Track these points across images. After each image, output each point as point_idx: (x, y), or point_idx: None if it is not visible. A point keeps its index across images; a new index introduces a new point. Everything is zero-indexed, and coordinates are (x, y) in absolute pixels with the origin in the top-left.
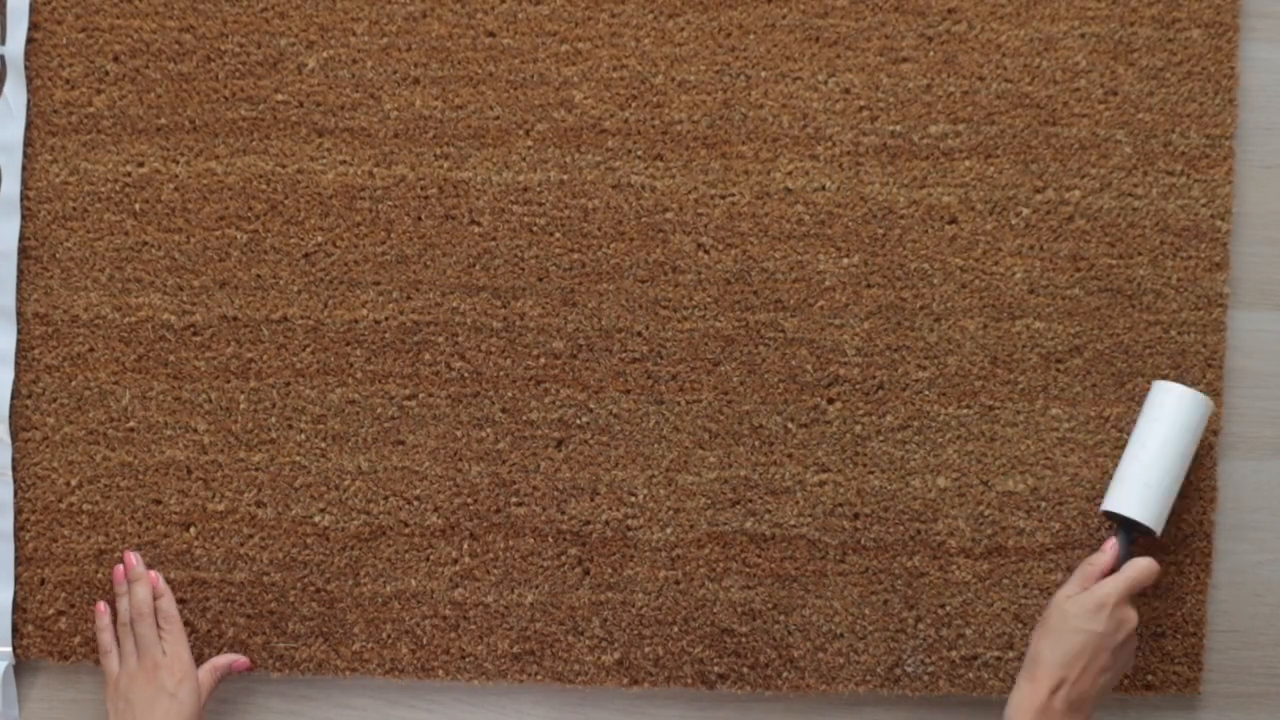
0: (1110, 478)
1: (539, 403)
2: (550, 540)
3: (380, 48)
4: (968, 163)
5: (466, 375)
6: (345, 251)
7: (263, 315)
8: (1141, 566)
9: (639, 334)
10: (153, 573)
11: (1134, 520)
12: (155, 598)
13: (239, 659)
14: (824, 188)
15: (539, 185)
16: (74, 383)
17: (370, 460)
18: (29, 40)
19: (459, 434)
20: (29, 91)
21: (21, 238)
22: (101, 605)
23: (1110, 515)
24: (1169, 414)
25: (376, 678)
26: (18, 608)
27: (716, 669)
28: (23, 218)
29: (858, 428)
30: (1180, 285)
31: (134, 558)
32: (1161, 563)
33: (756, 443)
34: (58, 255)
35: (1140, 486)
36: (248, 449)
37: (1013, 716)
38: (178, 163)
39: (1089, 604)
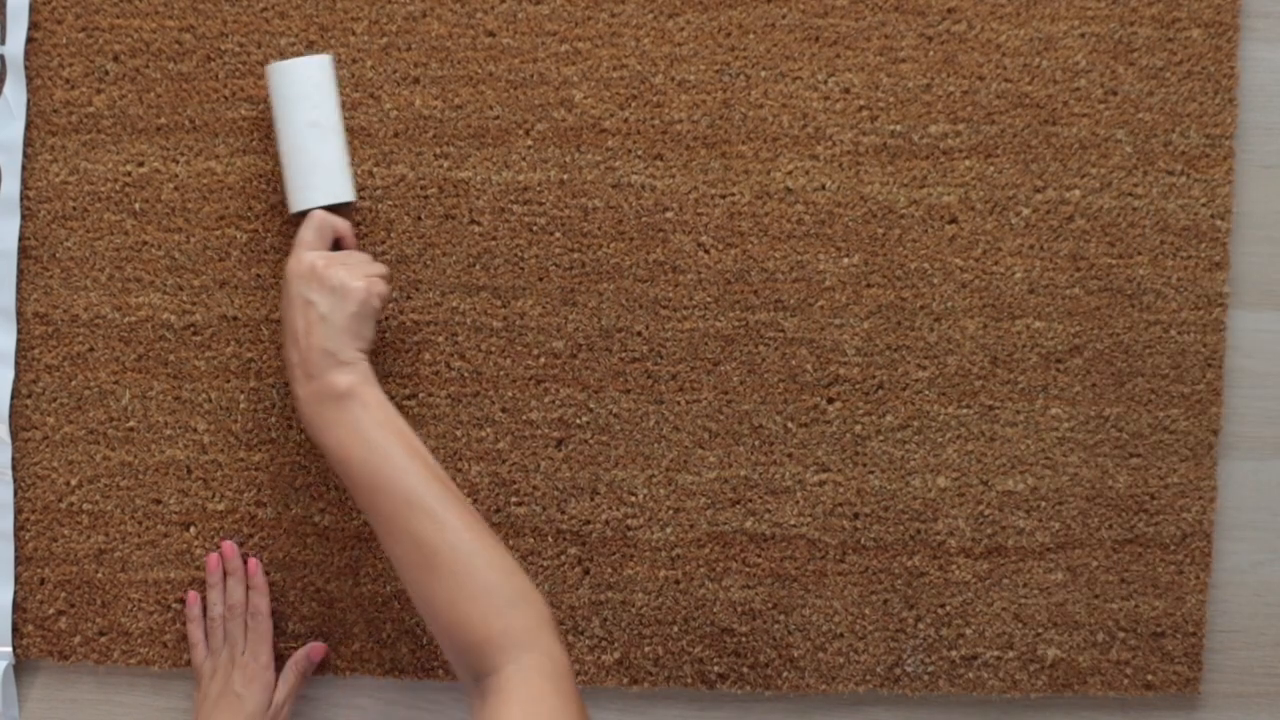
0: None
1: (539, 402)
2: (550, 540)
3: (380, 48)
4: (968, 163)
5: (466, 375)
6: None
7: (263, 315)
8: (309, 220)
9: (639, 334)
10: (252, 561)
11: (325, 206)
12: (250, 590)
13: (314, 646)
14: (824, 188)
15: (539, 185)
16: (74, 383)
17: None
18: (29, 40)
19: (459, 434)
20: (29, 91)
21: (21, 238)
22: (193, 595)
23: (302, 216)
24: (286, 93)
25: (376, 678)
26: (18, 608)
27: (716, 669)
28: (23, 218)
29: (858, 428)
30: (1180, 285)
31: (231, 548)
32: (1162, 563)
33: (756, 443)
34: (58, 255)
35: (314, 172)
36: (248, 449)
37: (313, 432)
38: (178, 162)
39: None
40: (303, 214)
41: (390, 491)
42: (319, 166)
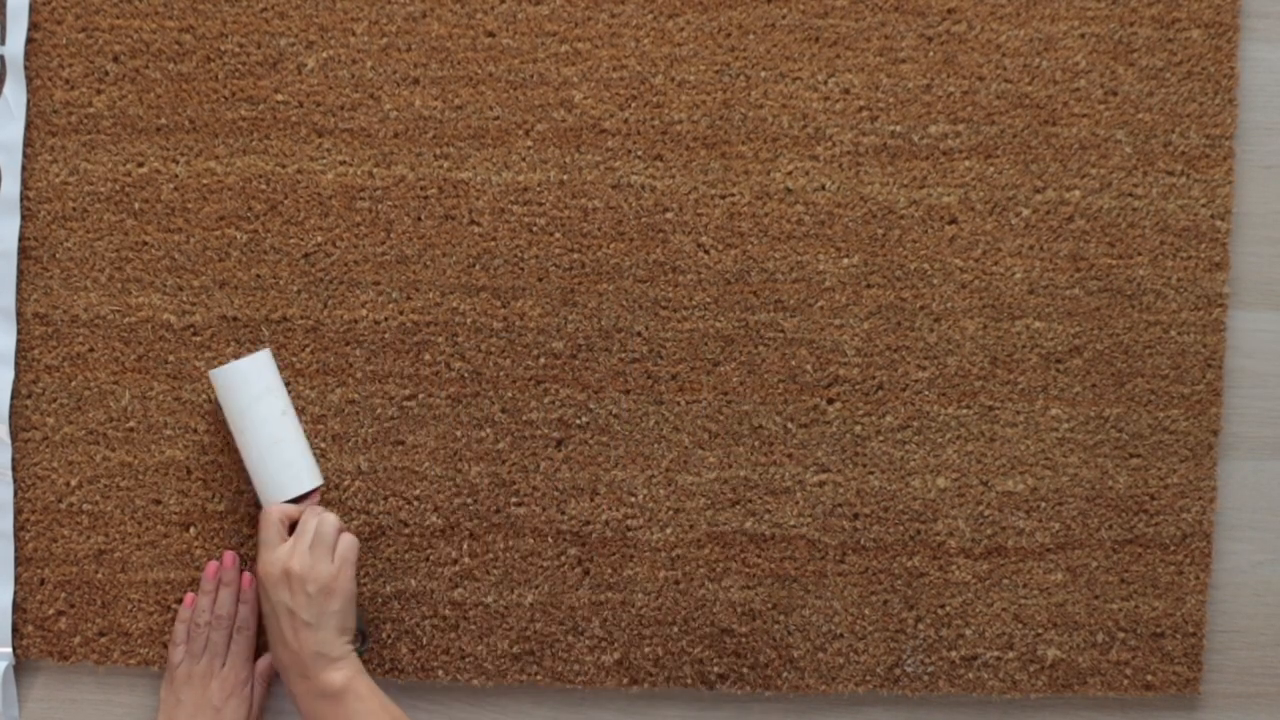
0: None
1: (539, 403)
2: (550, 540)
3: (380, 48)
4: (968, 163)
5: (466, 375)
6: (345, 251)
7: (263, 315)
8: (261, 518)
9: (639, 334)
10: (246, 576)
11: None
12: (240, 603)
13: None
14: (824, 188)
15: (539, 185)
16: (74, 383)
17: (370, 460)
18: (29, 40)
19: (459, 434)
20: (29, 91)
21: (21, 238)
22: (190, 597)
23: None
24: (237, 394)
25: (376, 677)
26: (18, 608)
27: (716, 669)
28: (23, 218)
29: (858, 428)
30: (1180, 285)
31: (232, 559)
32: (1162, 563)
33: (756, 443)
34: (58, 255)
35: (281, 469)
36: None
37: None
38: (177, 163)
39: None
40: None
41: None
42: (284, 462)
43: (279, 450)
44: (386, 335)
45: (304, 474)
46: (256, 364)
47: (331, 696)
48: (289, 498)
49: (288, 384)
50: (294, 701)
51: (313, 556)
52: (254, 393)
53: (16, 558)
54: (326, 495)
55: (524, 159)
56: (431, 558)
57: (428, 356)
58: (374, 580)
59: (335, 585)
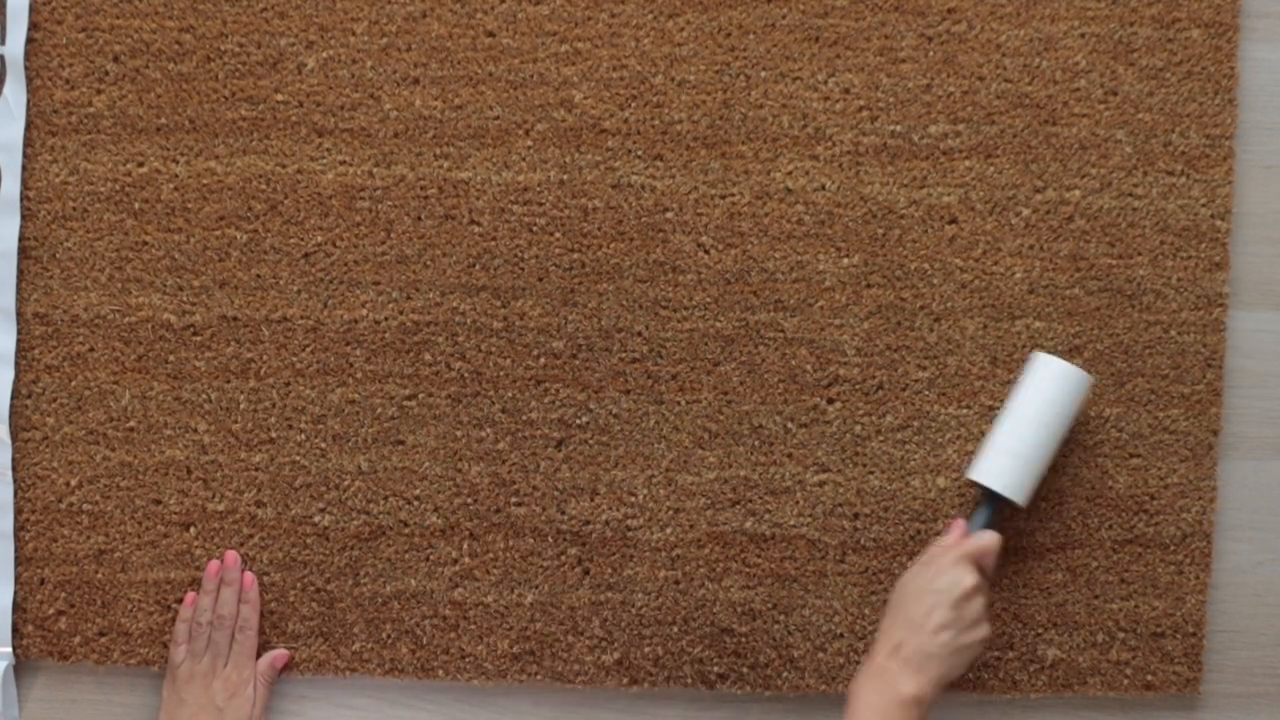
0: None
1: (539, 403)
2: (550, 540)
3: (380, 48)
4: (968, 163)
5: (466, 375)
6: (345, 251)
7: (263, 315)
8: (983, 537)
9: (639, 334)
10: (248, 575)
11: (997, 492)
12: (241, 603)
13: (278, 654)
14: (824, 188)
15: (539, 185)
16: (74, 383)
17: (370, 460)
18: (29, 40)
19: (459, 434)
20: (29, 91)
21: (21, 238)
22: (191, 596)
23: (976, 485)
24: (1043, 385)
25: (376, 678)
26: (18, 608)
27: (716, 669)
28: (23, 218)
29: (858, 428)
30: (1180, 285)
31: (234, 559)
32: (1162, 563)
33: (756, 443)
34: (58, 255)
35: (1007, 457)
36: (248, 449)
37: (853, 689)
38: (178, 163)
39: (920, 565)
40: (976, 485)
41: None
42: (1026, 463)
43: (1023, 448)
44: (386, 335)
45: (1017, 480)
46: (1075, 377)
47: (899, 699)
48: (990, 486)
49: (287, 383)
50: (863, 664)
51: (982, 603)
52: (1054, 393)
53: (16, 558)
54: (325, 496)
55: (524, 159)
56: (431, 558)
57: (428, 356)
58: (374, 580)
59: (982, 628)
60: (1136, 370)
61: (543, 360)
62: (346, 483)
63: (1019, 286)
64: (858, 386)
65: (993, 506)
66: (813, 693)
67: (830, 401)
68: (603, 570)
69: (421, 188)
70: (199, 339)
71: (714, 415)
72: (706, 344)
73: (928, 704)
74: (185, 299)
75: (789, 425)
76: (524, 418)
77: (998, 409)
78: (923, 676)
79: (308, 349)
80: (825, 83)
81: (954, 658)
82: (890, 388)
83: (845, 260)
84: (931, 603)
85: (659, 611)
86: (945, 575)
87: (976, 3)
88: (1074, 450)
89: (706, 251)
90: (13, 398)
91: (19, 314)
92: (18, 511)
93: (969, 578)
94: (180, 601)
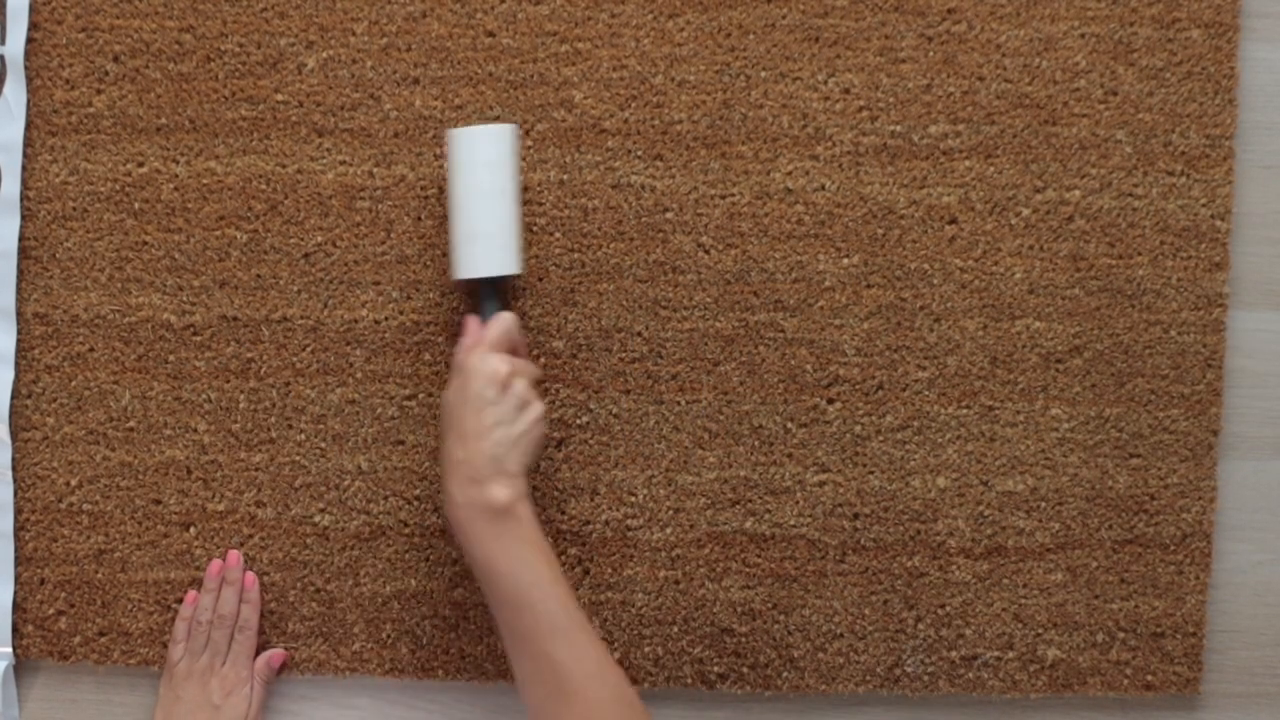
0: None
1: None
2: (550, 540)
3: (380, 48)
4: (968, 163)
5: None
6: (345, 251)
7: (263, 315)
8: (498, 320)
9: (639, 334)
10: (249, 575)
11: (488, 278)
12: (242, 602)
13: (274, 653)
14: (824, 188)
15: (539, 185)
16: (74, 383)
17: (370, 460)
18: (29, 40)
19: None
20: (29, 91)
21: (21, 238)
22: (191, 595)
23: (466, 284)
24: (473, 157)
25: (376, 678)
26: (18, 608)
27: (716, 669)
28: (23, 218)
29: (858, 428)
30: (1180, 285)
31: (237, 559)
32: (1162, 563)
33: (756, 443)
34: (58, 255)
35: (479, 241)
36: (248, 449)
37: (473, 555)
38: (178, 163)
39: (452, 378)
40: (467, 282)
41: (535, 611)
42: (484, 235)
43: (483, 224)
44: (386, 335)
45: (498, 256)
46: (493, 134)
47: (494, 512)
48: (477, 276)
49: (287, 383)
50: (450, 514)
51: (525, 385)
52: (480, 160)
53: (16, 558)
54: (325, 496)
55: (524, 159)
56: (431, 558)
57: (428, 356)
58: (374, 580)
59: (537, 414)
60: (1136, 370)
61: (543, 360)
62: (346, 483)
63: (1019, 286)
64: (858, 386)
65: (493, 290)
66: (813, 693)
67: (830, 401)
68: (603, 570)
69: (421, 188)
70: (199, 339)
71: (714, 415)
72: (706, 344)
73: (527, 493)
74: (185, 299)
75: (789, 425)
76: None
77: (998, 409)
78: (504, 478)
79: (308, 349)
80: (825, 83)
81: (521, 444)
82: (890, 388)
83: (845, 260)
84: (475, 407)
85: (659, 611)
86: (477, 375)
87: (976, 3)
88: (1074, 450)
89: (706, 251)
90: (13, 398)
91: (19, 314)
92: (18, 511)
93: (501, 365)
94: (180, 601)
